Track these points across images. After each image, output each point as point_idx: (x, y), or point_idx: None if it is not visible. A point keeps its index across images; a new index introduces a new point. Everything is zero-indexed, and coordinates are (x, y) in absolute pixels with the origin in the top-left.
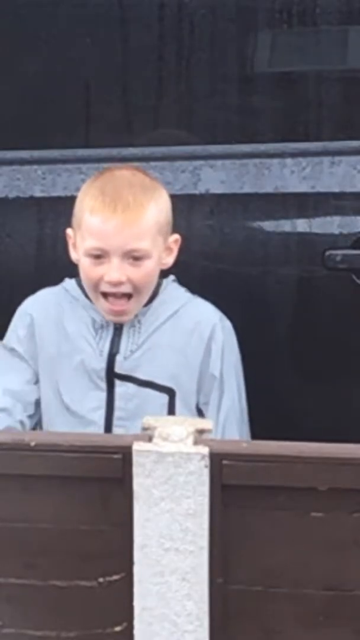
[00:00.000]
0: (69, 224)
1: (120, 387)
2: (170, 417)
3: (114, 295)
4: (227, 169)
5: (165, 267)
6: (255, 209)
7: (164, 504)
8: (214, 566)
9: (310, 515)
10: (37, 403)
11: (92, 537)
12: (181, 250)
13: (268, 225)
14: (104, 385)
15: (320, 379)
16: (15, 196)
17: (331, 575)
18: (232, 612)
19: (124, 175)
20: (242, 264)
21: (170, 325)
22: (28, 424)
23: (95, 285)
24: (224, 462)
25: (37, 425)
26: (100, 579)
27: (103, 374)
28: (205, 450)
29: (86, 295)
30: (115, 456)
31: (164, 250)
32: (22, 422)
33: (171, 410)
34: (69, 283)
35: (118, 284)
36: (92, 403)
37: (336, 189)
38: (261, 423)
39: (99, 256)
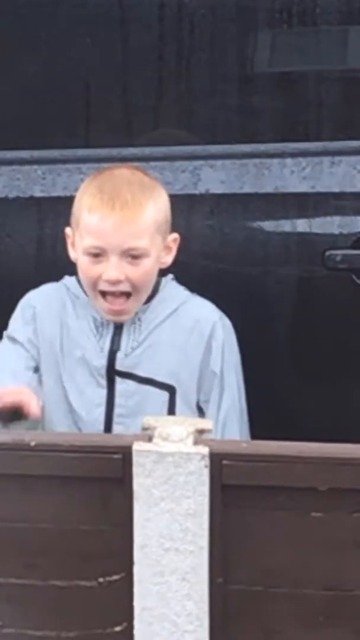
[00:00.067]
0: (68, 223)
1: (120, 384)
2: (170, 417)
3: (113, 294)
4: (227, 169)
5: (164, 266)
6: (255, 209)
7: (164, 504)
8: (214, 566)
9: (310, 515)
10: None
11: (92, 537)
12: (181, 250)
13: (268, 225)
14: (104, 382)
15: (320, 379)
16: (15, 196)
17: (331, 575)
18: (232, 612)
19: (123, 174)
20: (242, 264)
21: (170, 323)
22: None
23: (94, 284)
24: (224, 462)
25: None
26: (100, 579)
27: (103, 371)
28: (205, 450)
29: (86, 294)
30: (115, 456)
31: (162, 249)
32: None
33: (171, 408)
34: (70, 281)
35: (116, 282)
36: (93, 399)
37: (336, 189)
38: (261, 423)
39: (97, 255)
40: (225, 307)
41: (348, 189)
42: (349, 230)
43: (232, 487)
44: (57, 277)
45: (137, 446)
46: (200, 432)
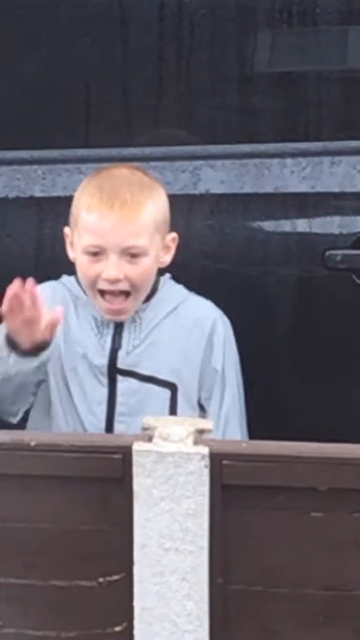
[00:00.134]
0: (68, 223)
1: (122, 382)
2: (171, 417)
3: (112, 293)
4: (227, 169)
5: (163, 265)
6: (255, 209)
7: (164, 504)
8: (214, 566)
9: (310, 515)
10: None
11: (92, 537)
12: (181, 250)
13: (268, 225)
14: (105, 380)
15: (320, 379)
16: (15, 196)
17: (331, 575)
18: (232, 612)
19: (123, 173)
20: (242, 264)
21: (170, 321)
22: None
23: (93, 283)
24: (224, 462)
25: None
26: (100, 579)
27: (105, 369)
28: (205, 450)
29: (85, 294)
30: (115, 456)
31: (161, 248)
32: None
33: (173, 406)
34: (68, 280)
35: (115, 281)
36: (95, 398)
37: (336, 189)
38: (261, 423)
39: (96, 253)
40: (225, 307)
41: (348, 189)
42: (349, 230)
43: (232, 487)
44: (57, 277)
45: (137, 446)
46: (200, 432)
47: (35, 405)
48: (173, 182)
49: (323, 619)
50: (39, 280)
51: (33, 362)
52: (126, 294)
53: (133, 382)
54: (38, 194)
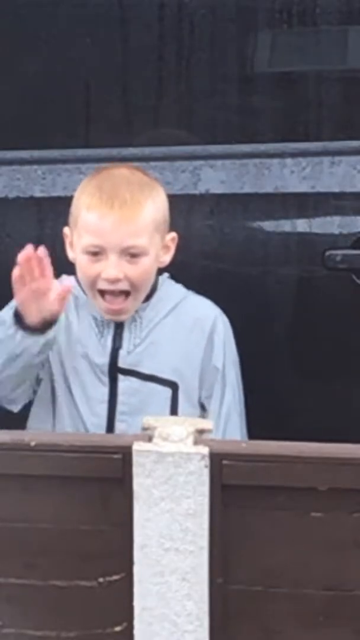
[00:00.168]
0: (68, 224)
1: (123, 381)
2: (171, 417)
3: (112, 293)
4: (227, 169)
5: (162, 265)
6: (255, 209)
7: (164, 504)
8: (214, 566)
9: (310, 515)
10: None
11: (92, 537)
12: (181, 250)
13: (268, 225)
14: (106, 379)
15: (320, 379)
16: (15, 196)
17: (331, 575)
18: (232, 612)
19: (123, 173)
20: (242, 264)
21: (170, 320)
22: None
23: (93, 283)
24: (224, 462)
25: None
26: (100, 579)
27: (105, 369)
28: (205, 450)
29: (85, 294)
30: (115, 456)
31: (161, 248)
32: None
33: (174, 405)
34: (68, 280)
35: (115, 281)
36: (96, 397)
37: (336, 189)
38: (261, 423)
39: (96, 253)
40: (225, 307)
41: (348, 189)
42: (349, 230)
43: (232, 487)
44: (57, 277)
45: (137, 446)
46: (200, 432)
47: (38, 406)
48: (173, 182)
49: (323, 619)
50: None
51: (39, 340)
52: (126, 293)
53: (134, 381)
54: (38, 194)
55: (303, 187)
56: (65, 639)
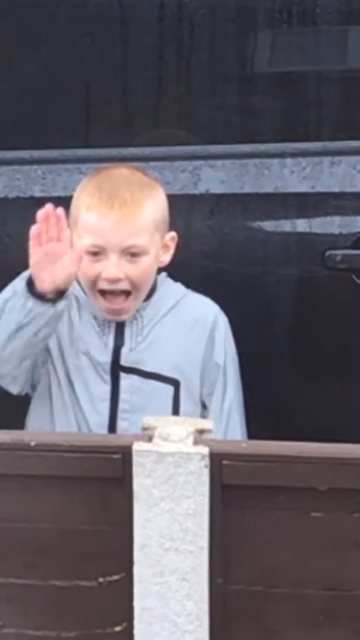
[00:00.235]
0: (68, 224)
1: (125, 379)
2: (171, 417)
3: (112, 292)
4: (227, 169)
5: (162, 264)
6: (255, 209)
7: (164, 504)
8: (214, 566)
9: (310, 515)
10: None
11: (92, 537)
12: (181, 250)
13: (268, 225)
14: (108, 378)
15: (320, 379)
16: (15, 196)
17: (331, 575)
18: (232, 612)
19: (122, 173)
20: (242, 264)
21: (171, 318)
22: None
23: (93, 283)
24: (224, 462)
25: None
26: (100, 579)
27: (107, 367)
28: (205, 450)
29: (86, 294)
30: (115, 456)
31: (161, 247)
32: None
33: (176, 403)
34: None
35: (116, 280)
36: (98, 395)
37: (336, 189)
38: (261, 423)
39: (96, 253)
40: (225, 307)
41: (348, 189)
42: (349, 230)
43: (232, 487)
44: None
45: (137, 446)
46: (200, 432)
47: (38, 406)
48: (173, 182)
49: (323, 619)
50: None
51: (49, 310)
52: (126, 293)
53: (136, 379)
54: (38, 194)
55: (303, 187)
56: (65, 639)
